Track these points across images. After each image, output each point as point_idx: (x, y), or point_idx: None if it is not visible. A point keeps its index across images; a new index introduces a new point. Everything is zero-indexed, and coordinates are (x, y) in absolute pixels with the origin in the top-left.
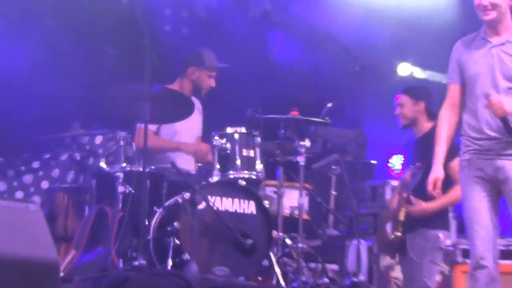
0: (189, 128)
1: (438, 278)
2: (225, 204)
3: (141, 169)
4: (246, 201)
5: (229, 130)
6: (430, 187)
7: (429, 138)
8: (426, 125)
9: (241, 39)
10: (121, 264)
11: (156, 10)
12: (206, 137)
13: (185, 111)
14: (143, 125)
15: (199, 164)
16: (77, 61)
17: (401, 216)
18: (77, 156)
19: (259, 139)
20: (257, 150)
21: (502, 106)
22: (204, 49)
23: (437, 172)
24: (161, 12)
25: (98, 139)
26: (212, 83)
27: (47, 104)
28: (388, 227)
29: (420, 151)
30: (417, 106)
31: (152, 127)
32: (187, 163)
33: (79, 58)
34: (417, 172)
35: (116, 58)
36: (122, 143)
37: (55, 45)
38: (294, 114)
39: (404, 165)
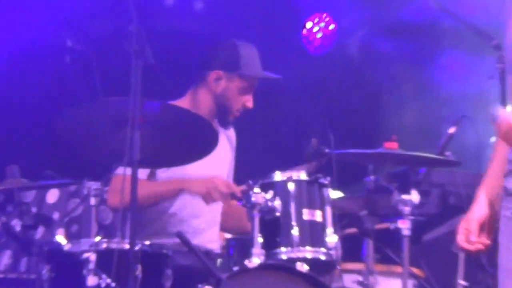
0: (209, 171)
1: None
2: None
3: (127, 246)
4: None
5: (278, 176)
6: None
7: None
8: None
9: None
10: None
11: None
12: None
13: (203, 146)
14: (127, 171)
15: (228, 236)
16: (14, 59)
17: None
18: (17, 225)
19: (331, 192)
20: (328, 210)
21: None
22: (240, 42)
23: None
24: None
25: (52, 196)
26: (248, 101)
27: None
28: None
29: None
30: None
31: (142, 174)
32: (205, 234)
33: (15, 53)
34: None
35: (81, 55)
36: (93, 201)
37: None
38: (391, 146)
39: None
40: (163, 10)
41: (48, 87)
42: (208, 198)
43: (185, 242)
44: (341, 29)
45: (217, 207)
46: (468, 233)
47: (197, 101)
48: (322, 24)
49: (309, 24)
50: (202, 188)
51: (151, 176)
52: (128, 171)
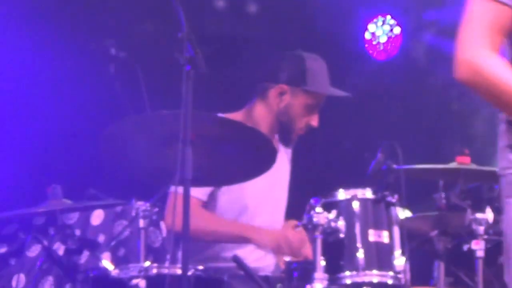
0: (270, 194)
1: None
2: None
3: (180, 271)
4: None
5: (341, 195)
6: None
7: None
8: None
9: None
10: None
11: None
12: (295, 208)
13: (261, 163)
14: (180, 189)
15: (287, 259)
16: (57, 70)
17: None
18: (59, 249)
19: (399, 211)
20: (396, 230)
21: None
22: (308, 54)
23: None
24: None
25: (97, 217)
26: (312, 120)
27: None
28: None
29: None
30: None
31: (199, 194)
32: (262, 258)
33: (62, 64)
34: None
35: (126, 64)
36: (141, 223)
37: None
38: (464, 161)
39: None
40: (214, 14)
41: (92, 100)
42: (277, 252)
43: (242, 266)
44: (405, 31)
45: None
46: None
47: (255, 116)
48: (387, 28)
49: (372, 28)
50: (272, 242)
51: (212, 199)
52: (181, 190)
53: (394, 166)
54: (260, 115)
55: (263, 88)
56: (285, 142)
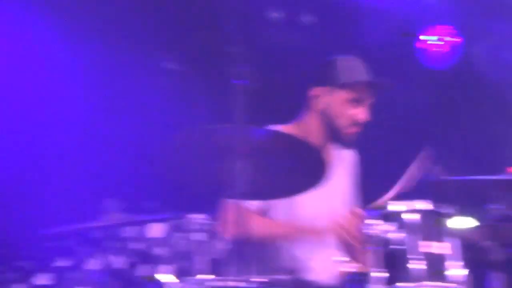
0: (325, 203)
1: None
2: None
3: (242, 284)
4: None
5: (398, 206)
6: None
7: None
8: None
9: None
10: None
11: None
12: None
13: (312, 177)
14: (235, 202)
15: (345, 270)
16: (111, 84)
17: None
18: (118, 262)
19: (455, 221)
20: (453, 241)
21: None
22: (342, 57)
23: None
24: None
25: (155, 230)
26: (357, 114)
27: (56, 170)
28: None
29: None
30: None
31: (252, 205)
32: (322, 270)
33: (117, 81)
34: None
35: (183, 78)
36: (199, 236)
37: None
38: None
39: None
40: (267, 25)
41: (146, 114)
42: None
43: (298, 280)
44: (462, 40)
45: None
46: None
47: (305, 126)
48: (442, 37)
49: (430, 36)
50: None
51: (264, 210)
52: (237, 202)
53: (448, 177)
54: (309, 124)
55: (305, 96)
56: (339, 143)
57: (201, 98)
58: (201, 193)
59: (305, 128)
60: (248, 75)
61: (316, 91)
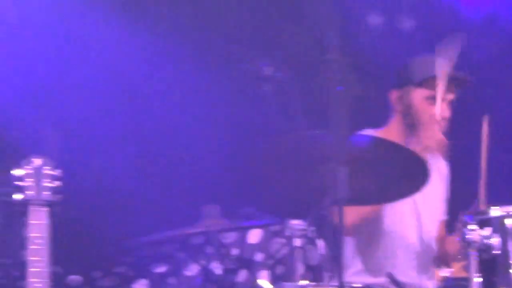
0: (424, 208)
1: None
2: None
3: None
4: None
5: (495, 211)
6: None
7: None
8: None
9: None
10: None
11: None
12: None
13: (412, 183)
14: (335, 209)
15: (444, 275)
16: (212, 91)
17: None
18: (217, 268)
19: None
20: None
21: None
22: (418, 57)
23: None
24: None
25: (254, 236)
26: (440, 111)
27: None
28: None
29: None
30: None
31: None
32: (418, 274)
33: (217, 85)
34: None
35: (281, 84)
36: (298, 242)
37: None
38: None
39: None
40: (368, 30)
41: (247, 120)
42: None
43: (396, 283)
44: None
45: (431, 249)
46: None
47: (393, 128)
48: None
49: None
50: None
51: None
52: (335, 209)
53: None
54: (396, 128)
55: (390, 102)
56: (426, 147)
57: (300, 104)
58: (301, 199)
59: (393, 131)
60: (349, 82)
61: (395, 93)
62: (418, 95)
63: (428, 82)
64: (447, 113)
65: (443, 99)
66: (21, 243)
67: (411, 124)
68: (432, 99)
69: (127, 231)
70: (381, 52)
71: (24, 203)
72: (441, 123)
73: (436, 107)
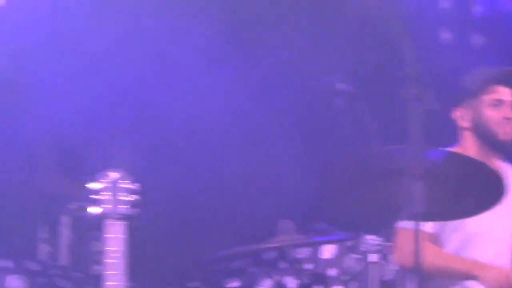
0: (495, 224)
1: None
2: None
3: None
4: None
5: None
6: None
7: None
8: None
9: None
10: None
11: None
12: None
13: (488, 198)
14: (408, 224)
15: None
16: (283, 106)
17: None
18: (291, 283)
19: None
20: None
21: None
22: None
23: None
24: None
25: (328, 251)
26: (506, 115)
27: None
28: None
29: None
30: None
31: (427, 227)
32: None
33: (289, 100)
34: None
35: (353, 99)
36: (372, 257)
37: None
38: None
39: None
40: (440, 46)
41: (318, 134)
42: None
43: None
44: None
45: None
46: None
47: (468, 148)
48: None
49: None
50: (496, 281)
51: (437, 232)
52: (410, 224)
53: None
54: (470, 146)
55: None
56: (501, 155)
57: (375, 119)
58: (376, 214)
59: (468, 148)
60: (424, 98)
61: (457, 111)
62: (480, 103)
63: (485, 87)
64: (508, 112)
65: (507, 102)
66: (94, 257)
67: (483, 136)
68: (493, 103)
69: (202, 246)
70: (452, 67)
71: (100, 217)
72: (510, 127)
73: (503, 111)
